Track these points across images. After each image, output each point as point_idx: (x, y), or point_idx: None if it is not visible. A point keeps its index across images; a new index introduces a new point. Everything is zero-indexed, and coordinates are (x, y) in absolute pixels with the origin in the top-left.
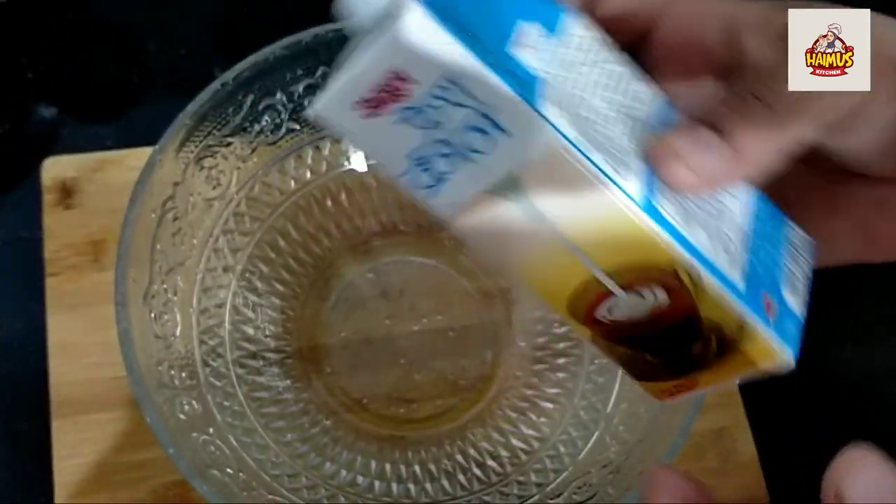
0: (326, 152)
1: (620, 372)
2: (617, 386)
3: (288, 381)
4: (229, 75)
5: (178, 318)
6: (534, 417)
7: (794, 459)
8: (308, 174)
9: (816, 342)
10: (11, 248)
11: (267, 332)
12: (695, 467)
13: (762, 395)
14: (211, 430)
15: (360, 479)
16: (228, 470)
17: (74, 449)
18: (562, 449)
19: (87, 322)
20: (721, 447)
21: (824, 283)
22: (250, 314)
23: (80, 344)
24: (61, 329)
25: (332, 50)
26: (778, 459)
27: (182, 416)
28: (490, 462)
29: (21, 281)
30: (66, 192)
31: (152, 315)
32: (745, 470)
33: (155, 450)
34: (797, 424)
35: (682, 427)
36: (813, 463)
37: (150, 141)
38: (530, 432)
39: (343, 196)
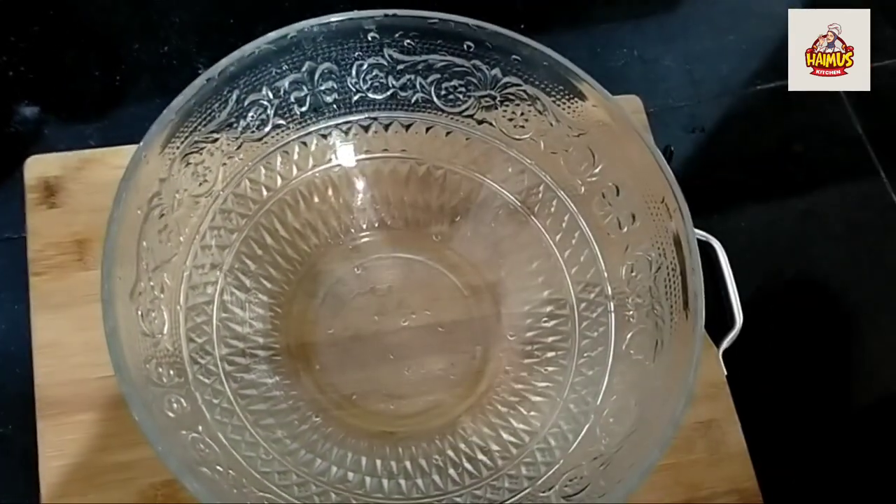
0: (313, 148)
1: (610, 364)
2: (606, 378)
3: (277, 378)
4: (214, 70)
5: (166, 315)
6: (524, 411)
7: (782, 450)
8: (295, 170)
9: (805, 333)
10: None
11: (255, 329)
12: (684, 459)
13: (750, 387)
14: (200, 427)
15: (350, 475)
16: (218, 468)
17: (60, 450)
18: (552, 442)
19: (71, 322)
20: (710, 439)
21: (816, 282)
22: (238, 311)
23: (65, 344)
24: (46, 329)
25: (317, 45)
26: (767, 450)
27: (170, 414)
28: (481, 456)
29: (4, 281)
30: (50, 191)
31: (139, 313)
32: (734, 461)
33: (142, 450)
34: (785, 415)
35: (672, 419)
36: (802, 453)
37: (133, 139)
38: (521, 426)
39: (330, 192)
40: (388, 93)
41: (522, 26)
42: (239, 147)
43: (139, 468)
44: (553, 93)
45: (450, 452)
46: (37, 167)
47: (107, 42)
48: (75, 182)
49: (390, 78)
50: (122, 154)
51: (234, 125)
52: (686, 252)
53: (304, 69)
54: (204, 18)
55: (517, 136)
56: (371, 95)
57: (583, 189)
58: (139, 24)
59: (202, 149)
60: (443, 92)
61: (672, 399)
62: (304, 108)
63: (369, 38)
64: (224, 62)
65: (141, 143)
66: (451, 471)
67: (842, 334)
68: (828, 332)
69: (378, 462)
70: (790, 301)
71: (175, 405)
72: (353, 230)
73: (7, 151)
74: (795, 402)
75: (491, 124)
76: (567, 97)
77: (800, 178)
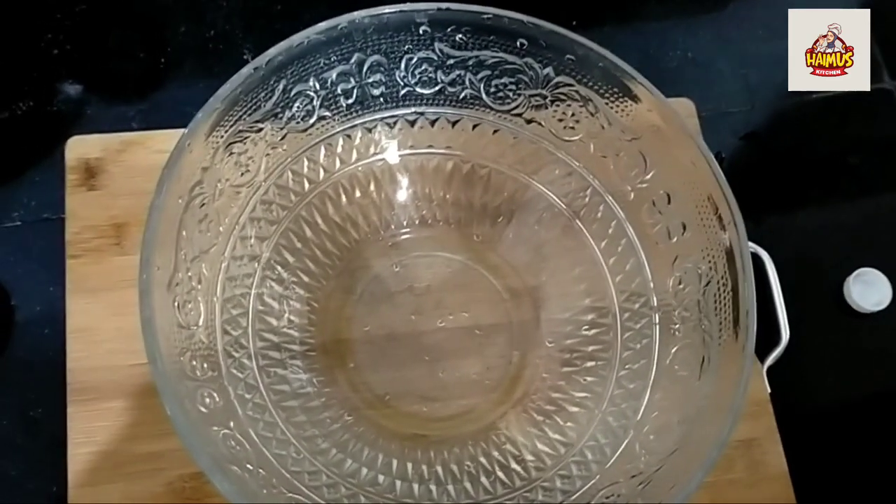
0: (357, 141)
1: (652, 378)
2: (648, 393)
3: (311, 375)
4: (262, 60)
5: (202, 307)
6: (560, 421)
7: (825, 473)
8: (338, 163)
9: (854, 352)
10: (33, 229)
11: (291, 324)
12: (722, 479)
13: (794, 406)
14: (231, 423)
15: (381, 478)
16: (248, 466)
17: (89, 436)
18: (589, 456)
19: (107, 306)
20: (750, 458)
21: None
22: (275, 305)
23: (100, 329)
24: (81, 313)
25: (367, 36)
26: (808, 472)
27: (203, 409)
28: (514, 466)
29: (42, 262)
30: (90, 173)
31: (176, 304)
32: (774, 482)
33: (171, 441)
34: (829, 436)
35: (717, 441)
36: (845, 477)
37: (175, 123)
38: (556, 437)
39: (372, 187)
40: (437, 88)
41: (574, 23)
42: (283, 138)
43: (168, 459)
44: (606, 94)
45: (482, 459)
46: (78, 148)
47: (153, 23)
48: (116, 164)
49: (439, 73)
50: (164, 138)
51: (280, 115)
52: (739, 266)
53: (352, 61)
54: (251, 3)
55: (566, 138)
56: (419, 90)
57: (632, 195)
58: (186, 7)
59: (246, 138)
60: (492, 89)
61: (717, 420)
62: (350, 101)
63: (420, 32)
64: (272, 52)
65: (185, 131)
66: (484, 479)
67: (891, 353)
68: (877, 350)
69: (409, 465)
70: (839, 318)
71: (207, 399)
72: (393, 226)
73: (49, 130)
74: (840, 424)
75: (540, 124)
76: (621, 99)
77: (854, 192)
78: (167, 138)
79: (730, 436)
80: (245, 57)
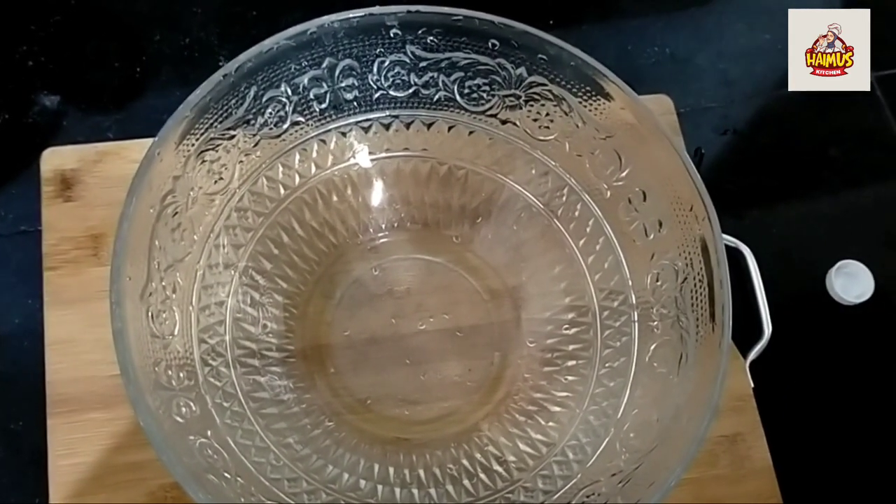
0: (332, 146)
1: (632, 375)
2: (628, 391)
3: (290, 381)
4: (231, 66)
5: (177, 316)
6: (542, 421)
7: (809, 466)
8: (313, 168)
9: (837, 345)
10: (10, 241)
11: (269, 331)
12: (706, 474)
13: (778, 400)
14: (209, 432)
15: (362, 483)
16: (226, 475)
17: (70, 448)
18: (570, 455)
19: (85, 318)
20: (734, 453)
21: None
22: (252, 312)
23: (78, 340)
24: (59, 325)
25: (338, 40)
26: (793, 466)
27: (179, 419)
28: (497, 467)
29: (19, 275)
30: (66, 184)
31: (149, 314)
32: (758, 477)
33: (151, 451)
34: (813, 430)
35: (695, 437)
36: (829, 470)
37: (152, 132)
38: (538, 437)
39: (349, 191)
40: (410, 90)
41: (551, 22)
42: (256, 144)
43: (149, 469)
44: (580, 93)
45: (465, 462)
46: (53, 159)
47: (128, 33)
48: (92, 175)
49: (412, 75)
50: (140, 147)
51: (252, 122)
52: (714, 263)
53: (324, 65)
54: (226, 10)
55: (542, 138)
56: (392, 93)
57: (608, 193)
58: (161, 15)
59: (218, 146)
60: (466, 90)
61: (696, 416)
62: (323, 106)
63: (391, 35)
64: (241, 58)
65: (154, 140)
66: (466, 481)
67: (874, 346)
68: (860, 343)
69: (391, 470)
70: (822, 311)
71: (184, 409)
72: (371, 230)
73: (25, 142)
74: (824, 417)
75: (515, 124)
76: (594, 98)
77: (835, 184)
78: (143, 148)
79: (707, 432)
80: (221, 64)
